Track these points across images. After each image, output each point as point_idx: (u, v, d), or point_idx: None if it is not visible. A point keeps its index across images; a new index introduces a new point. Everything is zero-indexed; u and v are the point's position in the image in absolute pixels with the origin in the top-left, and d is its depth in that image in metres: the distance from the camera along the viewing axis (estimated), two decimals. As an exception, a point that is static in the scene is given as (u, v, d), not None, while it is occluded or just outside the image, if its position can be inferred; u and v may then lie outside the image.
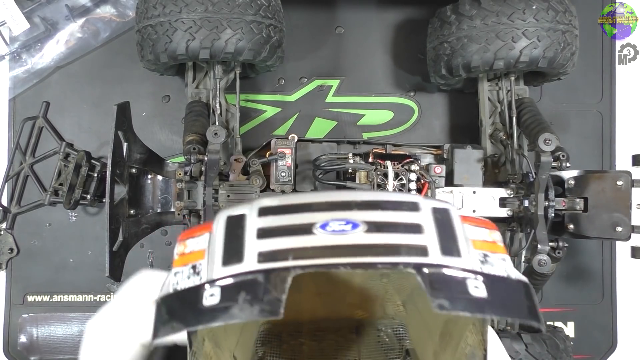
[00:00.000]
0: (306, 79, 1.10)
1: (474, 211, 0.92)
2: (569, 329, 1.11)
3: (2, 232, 1.06)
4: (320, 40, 1.10)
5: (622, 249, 1.09)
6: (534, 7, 0.86)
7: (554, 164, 0.86)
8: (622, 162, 1.10)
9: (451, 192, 0.92)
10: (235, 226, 0.33)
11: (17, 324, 1.06)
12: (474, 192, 0.93)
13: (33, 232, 1.07)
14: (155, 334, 0.32)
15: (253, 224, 0.33)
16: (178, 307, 0.32)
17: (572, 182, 0.91)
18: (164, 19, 0.86)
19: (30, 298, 1.07)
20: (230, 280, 0.31)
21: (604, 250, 1.10)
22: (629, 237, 0.86)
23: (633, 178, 0.86)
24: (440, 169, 0.93)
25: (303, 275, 0.60)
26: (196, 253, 0.34)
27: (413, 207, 0.35)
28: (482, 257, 0.34)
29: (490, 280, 0.32)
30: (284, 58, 0.98)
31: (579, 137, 1.11)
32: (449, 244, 0.33)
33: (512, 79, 0.96)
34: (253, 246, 0.32)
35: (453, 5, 0.93)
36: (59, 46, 1.07)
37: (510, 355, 0.48)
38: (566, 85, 1.07)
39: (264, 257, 0.31)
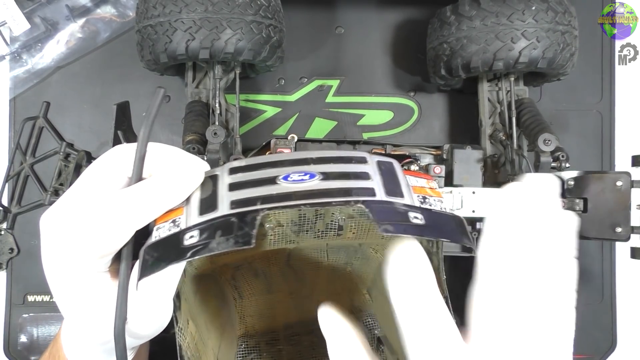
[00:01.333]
0: (306, 79, 1.10)
1: (473, 211, 0.92)
2: (569, 329, 1.10)
3: (2, 232, 1.06)
4: (320, 40, 1.10)
5: (622, 249, 1.09)
6: (534, 8, 0.86)
7: (553, 165, 0.86)
8: (622, 162, 1.10)
9: (451, 192, 0.92)
10: (209, 185, 0.39)
11: (17, 324, 1.06)
12: (474, 193, 0.92)
13: (33, 232, 1.07)
14: (141, 276, 0.36)
15: (225, 181, 0.39)
16: (160, 251, 0.36)
17: (572, 183, 0.91)
18: (163, 19, 0.86)
19: (30, 298, 1.07)
20: (207, 224, 0.36)
21: (603, 251, 1.10)
22: (629, 238, 0.86)
23: (633, 179, 0.86)
24: (439, 169, 0.93)
25: (274, 274, 0.63)
26: (175, 211, 0.39)
27: (361, 160, 0.41)
28: (422, 199, 0.40)
29: (427, 213, 0.38)
30: (284, 58, 0.98)
31: (579, 137, 1.11)
32: (392, 188, 0.39)
33: (512, 79, 0.96)
34: (226, 197, 0.37)
35: (453, 6, 0.93)
36: (59, 46, 1.07)
37: None
38: (566, 85, 1.07)
39: (236, 204, 0.37)
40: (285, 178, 0.38)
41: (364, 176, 0.39)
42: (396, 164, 0.42)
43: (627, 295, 1.11)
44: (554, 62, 0.89)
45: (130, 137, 0.89)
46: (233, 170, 0.40)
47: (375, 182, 0.39)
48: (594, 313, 1.11)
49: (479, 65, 0.89)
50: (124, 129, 0.87)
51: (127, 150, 0.42)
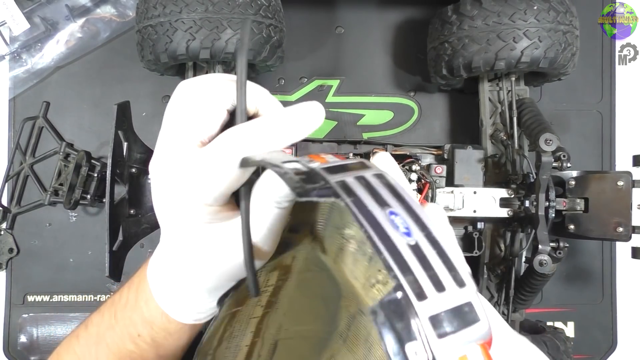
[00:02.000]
0: (306, 79, 1.10)
1: (474, 211, 0.92)
2: (569, 329, 1.11)
3: (2, 232, 1.06)
4: (320, 40, 1.10)
5: (622, 249, 1.09)
6: (535, 8, 0.86)
7: (554, 164, 0.86)
8: (623, 162, 1.10)
9: (452, 192, 0.92)
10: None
11: (17, 324, 1.06)
12: (475, 193, 0.93)
13: (33, 232, 1.07)
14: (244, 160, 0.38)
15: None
16: (272, 157, 0.36)
17: (573, 183, 0.91)
18: (164, 19, 0.86)
19: (30, 298, 1.06)
20: (321, 175, 0.35)
21: (604, 251, 1.10)
22: (630, 238, 0.86)
23: (633, 178, 0.86)
24: (440, 169, 0.94)
25: None
26: (322, 158, 0.38)
27: (461, 283, 0.33)
28: None
29: None
30: (284, 58, 0.98)
31: (579, 137, 1.11)
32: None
33: (513, 79, 0.96)
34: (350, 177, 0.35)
35: (454, 5, 0.93)
36: (59, 46, 1.07)
37: None
38: (566, 85, 1.07)
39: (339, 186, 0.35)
40: (392, 214, 0.34)
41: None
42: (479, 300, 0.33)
43: (627, 295, 1.11)
44: (556, 61, 0.89)
45: (131, 137, 0.89)
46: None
47: (442, 301, 0.31)
48: (594, 313, 1.11)
49: (480, 64, 0.89)
50: (124, 128, 0.86)
51: (224, 78, 0.41)
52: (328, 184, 0.34)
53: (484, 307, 0.31)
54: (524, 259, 0.92)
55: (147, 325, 0.46)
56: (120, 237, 0.85)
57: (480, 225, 0.95)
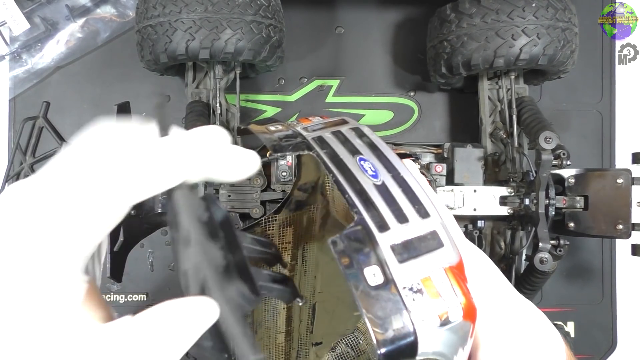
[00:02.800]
0: (306, 79, 1.10)
1: (474, 210, 0.92)
2: (569, 329, 1.10)
3: (2, 233, 1.06)
4: (320, 40, 1.11)
5: (622, 248, 1.09)
6: (534, 5, 0.87)
7: (554, 162, 0.86)
8: (622, 162, 1.10)
9: (452, 190, 0.92)
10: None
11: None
12: (475, 191, 0.93)
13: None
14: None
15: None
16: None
17: (573, 181, 0.91)
18: (163, 19, 0.86)
19: (30, 298, 1.06)
20: (299, 133, 0.40)
21: (603, 249, 1.10)
22: (630, 235, 0.86)
23: (633, 176, 0.86)
24: (440, 168, 0.93)
25: None
26: (309, 120, 0.43)
27: (424, 213, 0.36)
28: (416, 288, 0.33)
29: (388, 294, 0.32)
30: (284, 58, 0.98)
31: (579, 137, 1.11)
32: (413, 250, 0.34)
33: (512, 77, 0.96)
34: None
35: (453, 4, 0.93)
36: (59, 46, 1.07)
37: None
38: (566, 85, 1.07)
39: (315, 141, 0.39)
40: (361, 160, 0.37)
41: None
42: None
43: (627, 295, 1.11)
44: (555, 58, 0.89)
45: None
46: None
47: (404, 231, 0.34)
48: (594, 313, 1.11)
49: (479, 62, 0.90)
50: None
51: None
52: (304, 140, 0.38)
53: (449, 236, 0.35)
54: (524, 256, 0.92)
55: None
56: (121, 238, 0.85)
57: (480, 223, 0.95)
